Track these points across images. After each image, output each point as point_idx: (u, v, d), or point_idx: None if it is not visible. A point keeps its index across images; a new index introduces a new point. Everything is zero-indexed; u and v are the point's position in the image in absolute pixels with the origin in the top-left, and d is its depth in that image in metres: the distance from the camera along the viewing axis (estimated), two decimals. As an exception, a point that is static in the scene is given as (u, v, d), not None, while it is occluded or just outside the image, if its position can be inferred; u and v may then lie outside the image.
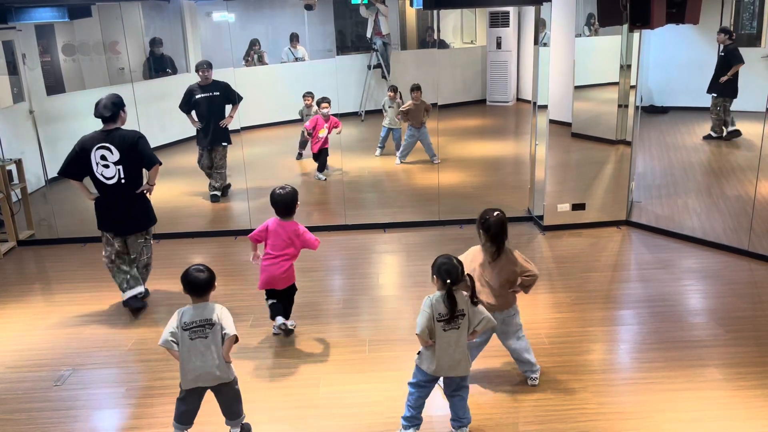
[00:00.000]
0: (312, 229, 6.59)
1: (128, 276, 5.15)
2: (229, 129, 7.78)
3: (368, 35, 11.02)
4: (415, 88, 8.58)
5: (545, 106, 6.41)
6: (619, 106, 6.55)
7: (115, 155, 4.88)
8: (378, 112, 9.76)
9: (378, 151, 9.25)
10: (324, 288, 5.57)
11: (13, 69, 7.91)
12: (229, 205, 7.77)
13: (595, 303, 5.05)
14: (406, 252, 6.23)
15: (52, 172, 7.31)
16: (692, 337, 4.52)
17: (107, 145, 4.87)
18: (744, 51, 9.06)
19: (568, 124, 6.64)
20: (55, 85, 8.87)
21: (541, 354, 4.34)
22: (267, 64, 11.65)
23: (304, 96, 8.99)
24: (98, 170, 4.91)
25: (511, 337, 4.00)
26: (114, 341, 4.75)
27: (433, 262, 3.48)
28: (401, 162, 8.92)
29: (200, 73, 7.52)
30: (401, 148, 8.95)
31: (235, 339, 3.44)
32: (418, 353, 3.54)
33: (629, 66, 6.32)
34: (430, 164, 8.74)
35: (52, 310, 5.27)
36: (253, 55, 11.48)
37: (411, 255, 6.16)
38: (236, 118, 7.73)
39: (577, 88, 6.39)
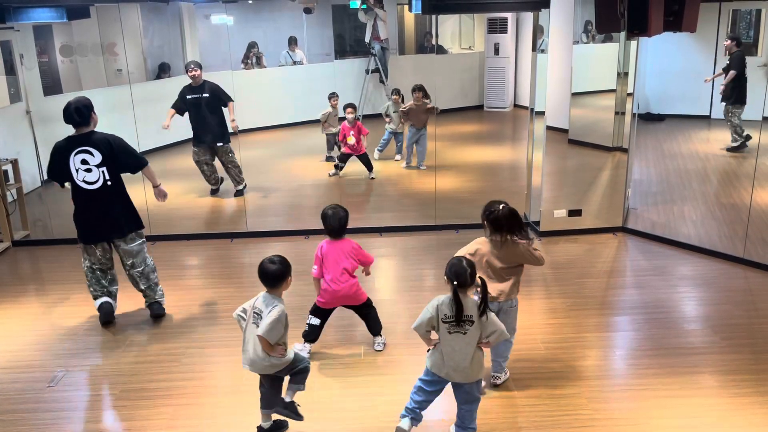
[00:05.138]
0: (309, 232, 6.65)
1: (105, 290, 4.95)
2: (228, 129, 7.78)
3: (366, 40, 11.05)
4: (417, 89, 8.66)
5: (542, 113, 6.42)
6: (616, 113, 6.57)
7: (97, 158, 4.65)
8: (376, 116, 9.78)
9: (377, 154, 9.26)
10: (320, 291, 5.55)
11: (10, 69, 7.90)
12: (226, 206, 7.76)
13: (590, 309, 5.05)
14: (402, 256, 6.23)
15: (49, 173, 7.31)
16: (687, 344, 4.52)
17: (87, 148, 4.63)
18: (740, 60, 9.11)
19: (565, 131, 6.65)
20: (52, 85, 8.87)
21: (536, 359, 4.34)
22: (265, 67, 11.65)
23: (329, 97, 8.99)
24: (79, 176, 4.66)
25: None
26: (108, 342, 4.73)
27: (448, 262, 3.49)
28: (378, 157, 9.25)
29: (188, 73, 7.53)
30: (399, 145, 9.31)
31: (266, 341, 3.34)
32: (428, 350, 3.55)
33: (626, 73, 6.34)
34: (428, 169, 8.74)
35: (46, 311, 5.25)
36: (252, 57, 11.49)
37: (407, 259, 6.15)
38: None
39: (574, 94, 6.41)
